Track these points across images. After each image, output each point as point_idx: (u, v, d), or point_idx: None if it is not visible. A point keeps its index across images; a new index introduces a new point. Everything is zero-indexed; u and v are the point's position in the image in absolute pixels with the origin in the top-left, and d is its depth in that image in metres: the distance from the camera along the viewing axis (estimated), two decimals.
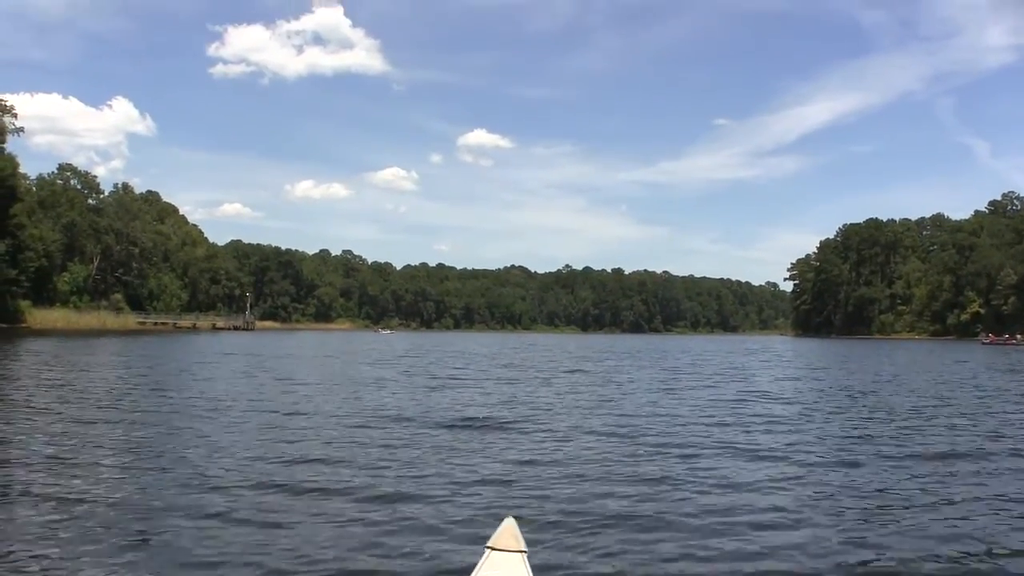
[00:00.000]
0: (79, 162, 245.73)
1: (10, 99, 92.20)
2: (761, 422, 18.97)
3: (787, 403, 24.42)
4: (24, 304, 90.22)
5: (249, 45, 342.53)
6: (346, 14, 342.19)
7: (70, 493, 9.98)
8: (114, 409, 19.05)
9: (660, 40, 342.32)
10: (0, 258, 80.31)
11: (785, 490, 11.21)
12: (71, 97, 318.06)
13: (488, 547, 5.69)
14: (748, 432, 17.15)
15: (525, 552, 5.60)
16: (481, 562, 5.54)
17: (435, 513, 9.43)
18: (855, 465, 13.22)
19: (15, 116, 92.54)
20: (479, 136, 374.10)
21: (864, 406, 23.61)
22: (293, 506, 9.73)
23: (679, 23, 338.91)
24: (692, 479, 11.74)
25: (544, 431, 16.71)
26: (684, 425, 18.22)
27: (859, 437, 16.74)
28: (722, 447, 14.91)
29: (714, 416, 20.09)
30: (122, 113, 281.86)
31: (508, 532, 5.77)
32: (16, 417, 16.97)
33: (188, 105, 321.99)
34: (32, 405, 19.23)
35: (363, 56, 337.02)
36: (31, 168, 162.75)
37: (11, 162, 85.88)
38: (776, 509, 10.03)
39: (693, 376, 37.56)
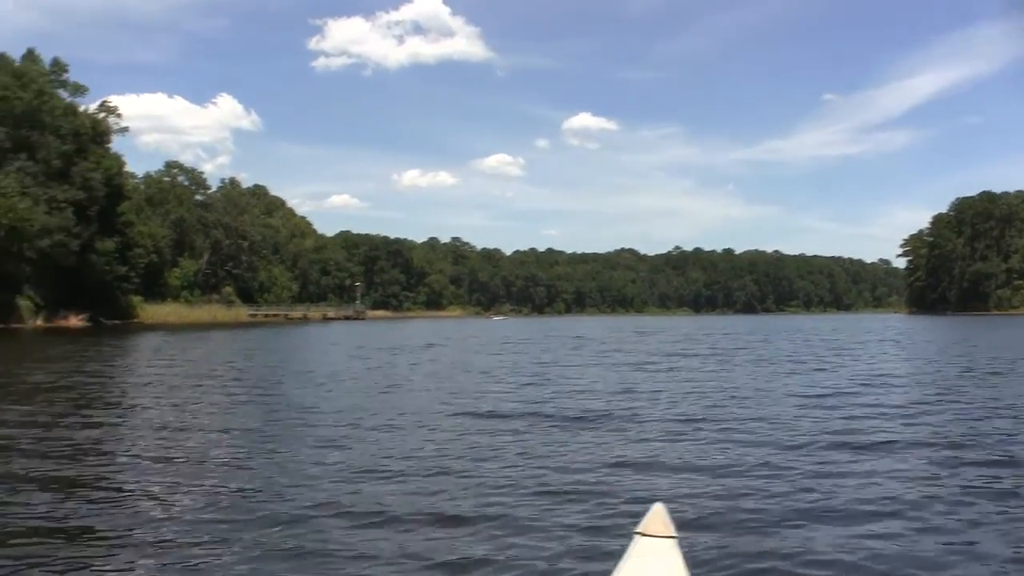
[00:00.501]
0: (186, 159, 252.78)
1: (117, 100, 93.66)
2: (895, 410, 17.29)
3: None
4: (136, 300, 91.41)
5: (350, 37, 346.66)
6: (445, 2, 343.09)
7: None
8: (218, 400, 19.48)
9: (763, 16, 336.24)
10: (110, 255, 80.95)
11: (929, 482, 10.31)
12: (176, 96, 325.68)
13: (637, 533, 5.41)
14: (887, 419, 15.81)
15: (676, 538, 5.36)
16: (630, 548, 5.29)
17: (580, 500, 9.29)
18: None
19: (119, 116, 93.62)
20: (584, 119, 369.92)
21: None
22: (439, 495, 9.50)
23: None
24: (851, 470, 10.98)
25: (674, 418, 15.92)
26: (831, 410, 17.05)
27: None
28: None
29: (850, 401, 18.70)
30: (227, 109, 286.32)
31: (657, 517, 5.47)
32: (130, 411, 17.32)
33: (292, 99, 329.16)
34: (131, 402, 19.31)
35: (464, 44, 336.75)
36: (140, 167, 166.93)
37: (117, 161, 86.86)
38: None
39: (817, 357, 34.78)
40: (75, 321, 74.46)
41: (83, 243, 77.04)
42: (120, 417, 16.19)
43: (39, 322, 71.01)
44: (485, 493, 9.58)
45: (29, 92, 75.79)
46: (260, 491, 9.67)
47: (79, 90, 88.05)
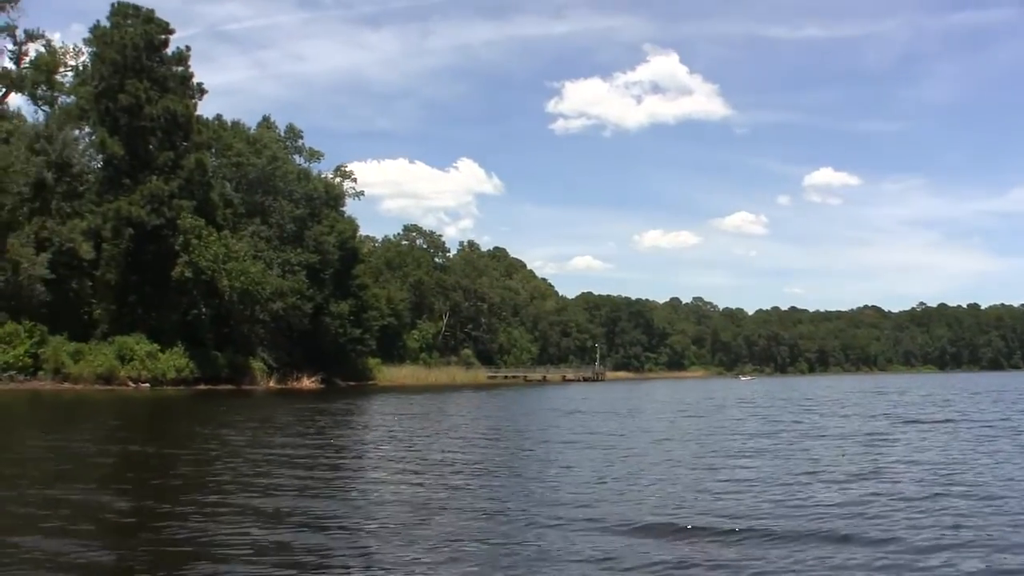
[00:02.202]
0: (428, 223, 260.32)
1: (359, 167, 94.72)
2: None
3: None
4: (373, 362, 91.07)
5: (587, 99, 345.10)
6: (682, 61, 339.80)
7: None
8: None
9: (999, 61, 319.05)
10: (344, 318, 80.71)
11: None
12: (417, 161, 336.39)
13: None
14: None
15: None
16: None
17: None
18: None
19: (355, 181, 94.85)
20: (825, 175, 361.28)
21: None
22: None
23: (1017, 42, 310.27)
24: None
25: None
26: None
27: None
28: None
29: None
30: (468, 173, 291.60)
31: None
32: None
33: (532, 162, 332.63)
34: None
35: (703, 101, 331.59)
36: (382, 232, 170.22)
37: (351, 225, 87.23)
38: None
39: None
40: (308, 383, 73.95)
41: (316, 306, 77.04)
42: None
43: (272, 383, 70.79)
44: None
45: (263, 158, 77.09)
46: None
47: (314, 155, 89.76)
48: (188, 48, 69.17)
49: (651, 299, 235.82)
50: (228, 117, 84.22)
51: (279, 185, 77.63)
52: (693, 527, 11.05)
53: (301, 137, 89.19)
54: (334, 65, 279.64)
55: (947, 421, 31.51)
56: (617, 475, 16.31)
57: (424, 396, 59.10)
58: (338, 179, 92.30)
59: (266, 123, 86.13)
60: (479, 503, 12.97)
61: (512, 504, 12.81)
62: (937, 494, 13.80)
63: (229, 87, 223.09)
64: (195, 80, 70.71)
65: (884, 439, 23.99)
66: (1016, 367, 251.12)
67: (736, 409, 42.95)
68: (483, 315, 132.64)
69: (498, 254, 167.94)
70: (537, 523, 11.30)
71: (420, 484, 14.93)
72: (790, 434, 26.27)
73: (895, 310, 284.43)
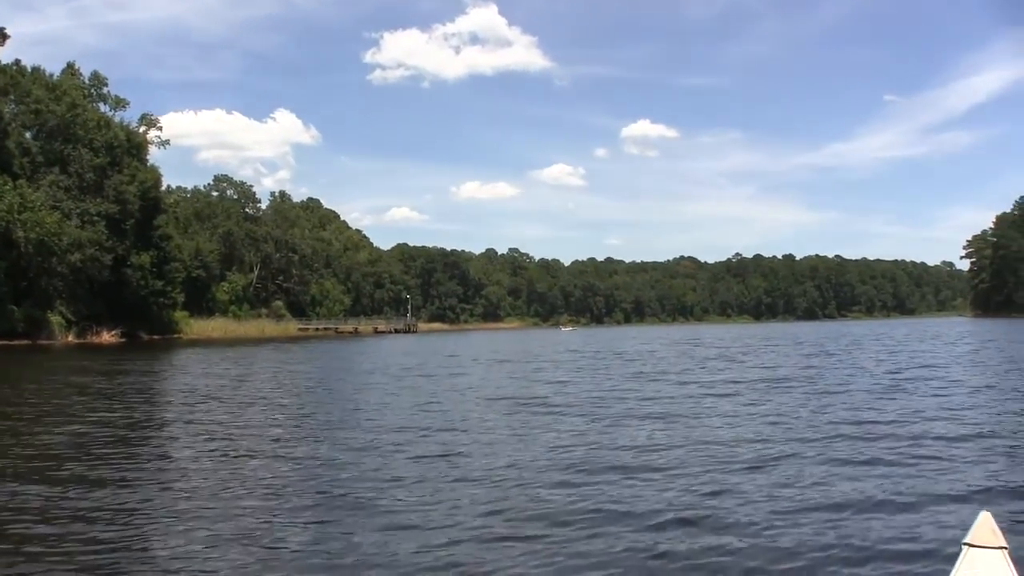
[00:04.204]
0: (246, 174, 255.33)
1: (177, 117, 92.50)
2: None
3: None
4: (181, 315, 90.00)
5: (406, 49, 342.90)
6: (501, 12, 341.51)
7: None
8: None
9: (821, 20, 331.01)
10: (145, 270, 79.52)
11: None
12: (235, 112, 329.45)
13: (965, 543, 5.18)
14: None
15: (1006, 548, 5.08)
16: (959, 560, 5.10)
17: (897, 514, 9.51)
18: None
19: (160, 129, 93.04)
20: (643, 127, 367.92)
21: None
22: None
23: (837, 1, 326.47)
24: None
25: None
26: None
27: None
28: None
29: None
30: (286, 124, 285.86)
31: (985, 526, 5.21)
32: None
33: (350, 113, 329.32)
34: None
35: (522, 53, 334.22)
36: (200, 183, 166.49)
37: (153, 174, 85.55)
38: None
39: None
40: (108, 337, 73.14)
41: (117, 257, 75.75)
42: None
43: (71, 338, 69.74)
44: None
45: (62, 105, 74.97)
46: None
47: (120, 104, 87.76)
48: None
49: (468, 250, 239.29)
50: (48, 67, 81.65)
51: (79, 133, 75.64)
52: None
53: (106, 85, 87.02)
54: (154, 15, 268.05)
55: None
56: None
57: (213, 351, 58.78)
58: (143, 128, 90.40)
59: (70, 70, 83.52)
60: None
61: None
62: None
63: (47, 36, 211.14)
64: None
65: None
66: (831, 317, 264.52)
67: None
68: (294, 267, 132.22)
69: (311, 205, 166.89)
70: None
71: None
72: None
73: (711, 261, 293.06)
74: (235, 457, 13.71)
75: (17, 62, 77.87)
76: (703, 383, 27.48)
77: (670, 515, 9.62)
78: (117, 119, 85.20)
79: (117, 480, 11.79)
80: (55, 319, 69.60)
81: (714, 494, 10.62)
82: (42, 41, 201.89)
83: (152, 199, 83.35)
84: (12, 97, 73.39)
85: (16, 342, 62.46)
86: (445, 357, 50.74)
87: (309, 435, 16.44)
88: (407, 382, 30.16)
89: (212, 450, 14.42)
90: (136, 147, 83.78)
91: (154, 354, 53.44)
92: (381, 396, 24.58)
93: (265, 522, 9.56)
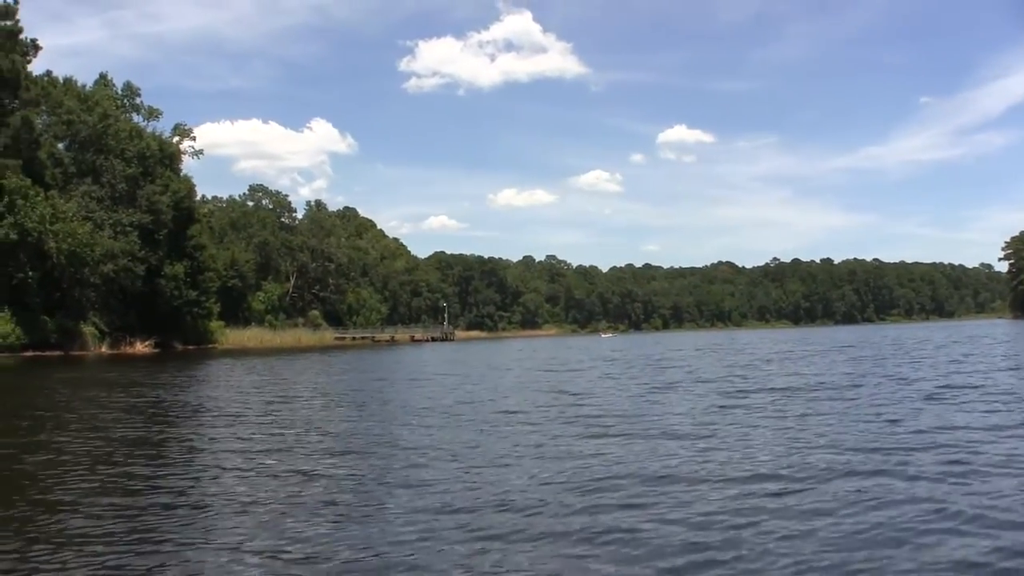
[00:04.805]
0: (283, 184, 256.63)
1: (213, 127, 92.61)
2: None
3: None
4: (216, 325, 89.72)
5: (441, 57, 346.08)
6: (535, 19, 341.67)
7: None
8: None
9: (853, 22, 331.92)
10: (179, 280, 79.27)
11: None
12: (271, 122, 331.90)
13: None
14: None
15: None
16: None
17: None
18: None
19: (194, 139, 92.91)
20: (680, 132, 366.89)
21: None
22: None
23: (870, 3, 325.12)
24: None
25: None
26: None
27: None
28: None
29: None
30: (322, 133, 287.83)
31: None
32: None
33: (386, 121, 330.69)
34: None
35: (557, 60, 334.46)
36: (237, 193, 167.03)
37: (187, 184, 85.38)
38: None
39: None
40: (141, 347, 72.82)
41: (150, 268, 75.52)
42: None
43: (104, 348, 69.49)
44: None
45: (94, 116, 74.94)
46: None
47: (153, 114, 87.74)
48: (16, 2, 66.63)
49: (505, 258, 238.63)
50: (82, 78, 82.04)
51: (111, 144, 75.55)
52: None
53: (139, 95, 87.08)
54: (188, 24, 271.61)
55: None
56: None
57: (241, 361, 57.78)
58: (176, 138, 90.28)
59: (103, 81, 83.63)
60: None
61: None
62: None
63: (83, 47, 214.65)
64: (27, 36, 68.47)
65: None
66: (869, 320, 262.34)
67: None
68: (331, 276, 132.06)
69: (348, 214, 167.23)
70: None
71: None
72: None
73: (749, 266, 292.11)
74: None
75: (48, 73, 78.02)
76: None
77: None
78: (150, 129, 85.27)
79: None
80: (88, 330, 69.38)
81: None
82: (76, 53, 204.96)
83: (185, 209, 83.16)
84: (44, 108, 73.33)
85: (49, 353, 62.20)
86: (491, 369, 47.09)
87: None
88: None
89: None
90: (169, 157, 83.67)
91: (181, 365, 52.65)
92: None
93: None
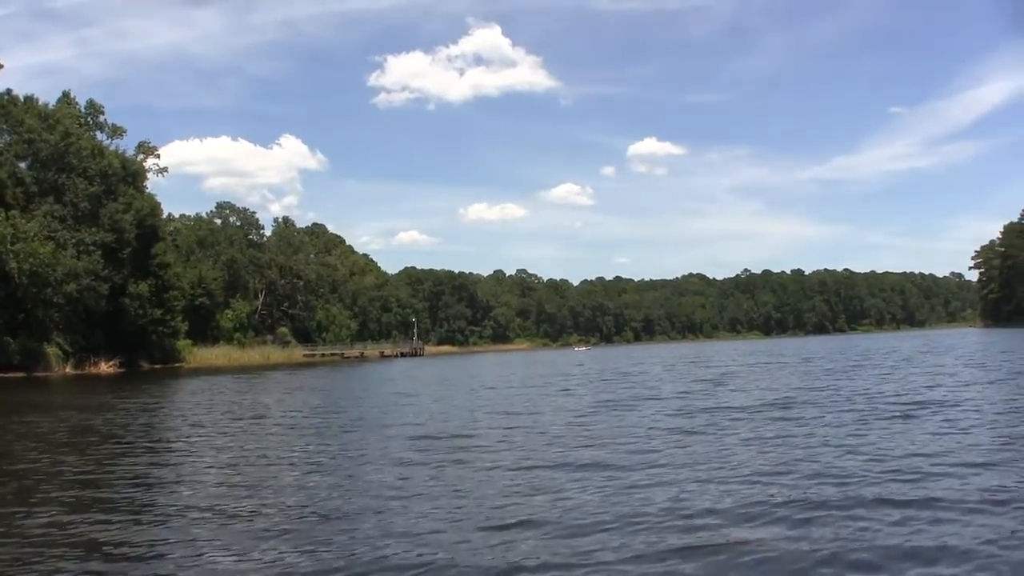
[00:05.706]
0: (253, 201, 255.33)
1: (183, 144, 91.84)
2: None
3: None
4: (183, 343, 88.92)
5: (410, 72, 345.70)
6: (504, 33, 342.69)
7: None
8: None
9: (823, 33, 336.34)
10: (143, 299, 78.55)
11: None
12: (241, 139, 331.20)
13: None
14: None
15: None
16: None
17: None
18: None
19: (158, 157, 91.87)
20: (651, 145, 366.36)
21: None
22: None
23: (840, 14, 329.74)
24: None
25: None
26: None
27: None
28: None
29: None
30: (292, 150, 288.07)
31: None
32: None
33: (356, 137, 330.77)
34: None
35: (527, 73, 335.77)
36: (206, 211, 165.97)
37: (151, 202, 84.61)
38: None
39: None
40: (106, 367, 72.06)
41: (114, 287, 74.67)
42: None
43: (68, 369, 68.65)
44: None
45: (55, 134, 74.14)
46: None
47: (117, 132, 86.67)
48: None
49: (476, 272, 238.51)
50: (52, 97, 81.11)
51: (73, 162, 74.68)
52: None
53: (102, 113, 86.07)
54: (158, 42, 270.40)
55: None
56: None
57: (205, 380, 56.98)
58: (140, 156, 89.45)
59: (66, 99, 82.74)
60: None
61: None
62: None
63: (52, 66, 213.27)
64: None
65: None
66: (840, 330, 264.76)
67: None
68: (299, 292, 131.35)
69: (316, 230, 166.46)
70: None
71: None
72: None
73: (720, 277, 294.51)
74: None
75: (9, 91, 77.13)
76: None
77: None
78: (115, 147, 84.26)
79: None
80: (52, 350, 68.51)
81: None
82: (45, 71, 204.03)
83: (150, 227, 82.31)
84: (4, 127, 72.61)
85: (12, 375, 61.44)
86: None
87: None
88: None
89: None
90: (132, 175, 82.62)
91: (140, 385, 52.03)
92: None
93: None
